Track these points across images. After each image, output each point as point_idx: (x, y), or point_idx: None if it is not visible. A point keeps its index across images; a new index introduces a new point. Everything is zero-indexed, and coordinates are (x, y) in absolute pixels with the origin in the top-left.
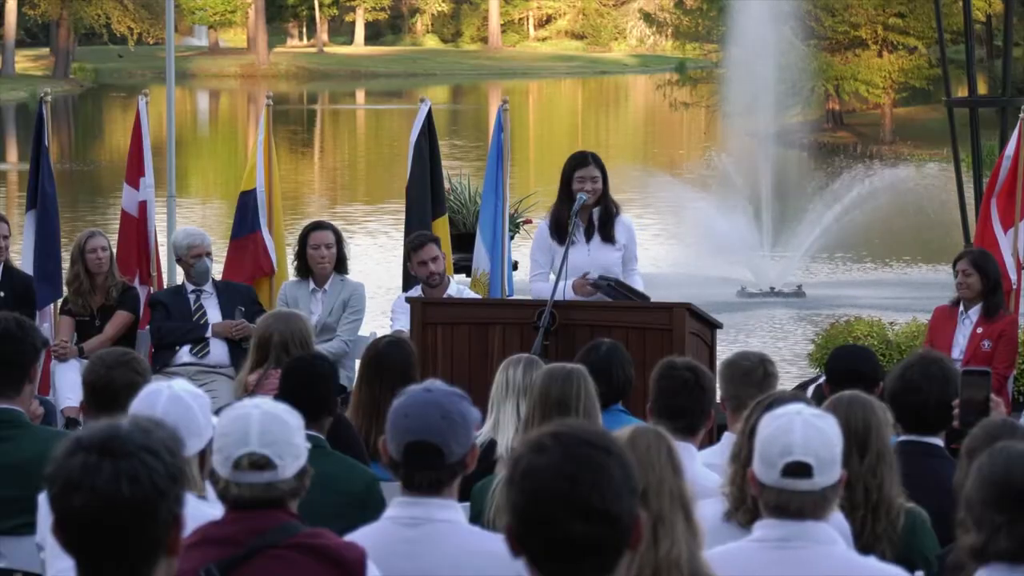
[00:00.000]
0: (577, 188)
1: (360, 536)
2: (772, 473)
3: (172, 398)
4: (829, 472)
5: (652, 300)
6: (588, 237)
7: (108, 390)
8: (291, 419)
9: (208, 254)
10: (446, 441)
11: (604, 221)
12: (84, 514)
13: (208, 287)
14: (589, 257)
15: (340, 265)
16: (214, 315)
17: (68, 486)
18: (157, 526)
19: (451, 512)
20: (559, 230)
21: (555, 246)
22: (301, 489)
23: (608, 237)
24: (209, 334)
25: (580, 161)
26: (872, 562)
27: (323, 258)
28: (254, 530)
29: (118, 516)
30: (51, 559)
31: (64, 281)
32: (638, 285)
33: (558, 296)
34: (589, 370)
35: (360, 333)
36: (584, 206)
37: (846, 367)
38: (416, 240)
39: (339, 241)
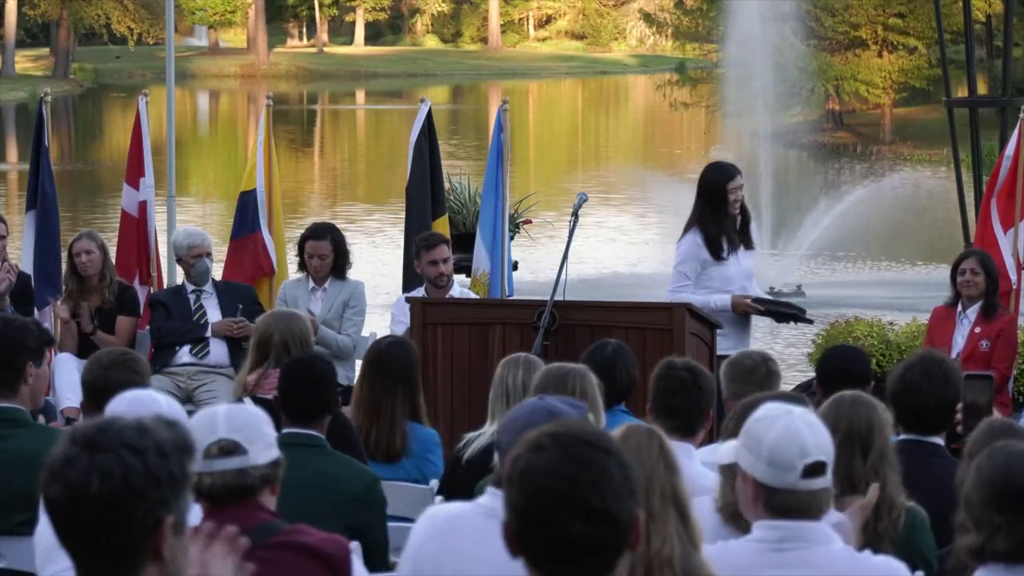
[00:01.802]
0: (733, 200)
1: (450, 509)
2: (789, 476)
3: (136, 400)
4: (831, 470)
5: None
6: (734, 245)
7: (106, 390)
8: (258, 412)
9: (208, 254)
10: (497, 442)
11: (744, 229)
12: (58, 505)
13: (208, 287)
14: (739, 266)
15: (338, 272)
16: (214, 315)
17: (49, 475)
18: (132, 526)
19: None
20: (714, 246)
21: (709, 260)
22: (274, 479)
23: (749, 244)
24: (209, 334)
25: (731, 174)
26: (867, 556)
27: (315, 268)
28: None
29: (86, 510)
30: (41, 562)
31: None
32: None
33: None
34: (593, 369)
35: (362, 334)
36: (733, 215)
37: (836, 367)
38: (430, 240)
39: (337, 249)
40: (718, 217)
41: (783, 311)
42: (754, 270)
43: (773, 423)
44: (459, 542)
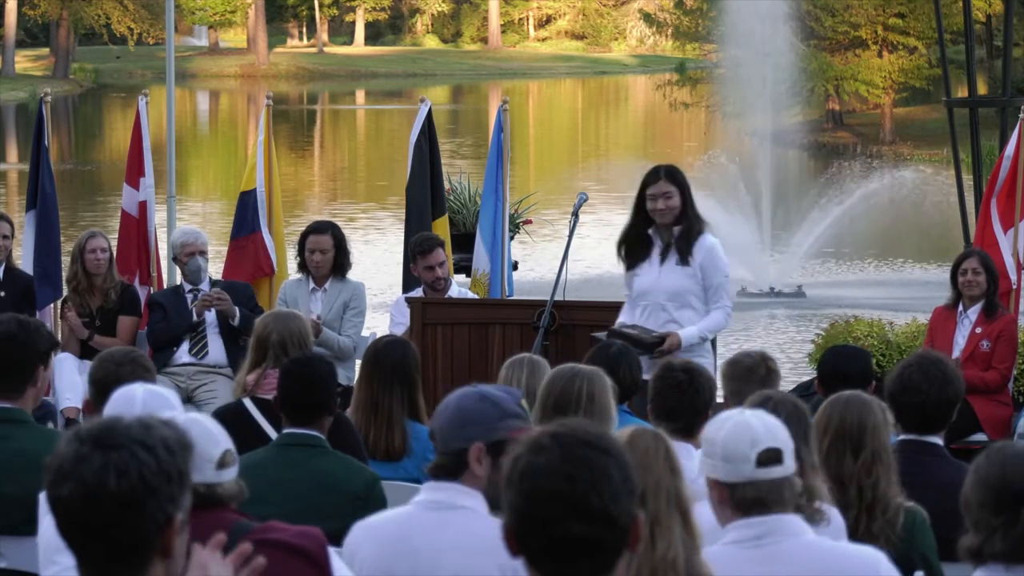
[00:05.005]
0: (650, 207)
1: (387, 516)
2: (745, 467)
3: (149, 392)
4: (791, 459)
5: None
6: (663, 258)
7: (117, 387)
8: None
9: (203, 252)
10: (439, 428)
11: (681, 242)
12: (71, 503)
13: (205, 286)
14: (657, 280)
15: (339, 269)
16: (211, 315)
17: (59, 475)
18: (145, 523)
19: (469, 499)
20: (624, 251)
21: (625, 273)
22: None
23: (683, 259)
24: (195, 317)
25: (651, 176)
26: (845, 546)
27: (317, 263)
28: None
29: (103, 507)
30: (44, 562)
31: (64, 279)
32: (714, 322)
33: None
34: None
35: (362, 334)
36: (663, 224)
37: (832, 368)
38: (425, 244)
39: (338, 246)
40: (635, 224)
41: (632, 341)
42: (688, 289)
43: (724, 423)
44: (419, 544)
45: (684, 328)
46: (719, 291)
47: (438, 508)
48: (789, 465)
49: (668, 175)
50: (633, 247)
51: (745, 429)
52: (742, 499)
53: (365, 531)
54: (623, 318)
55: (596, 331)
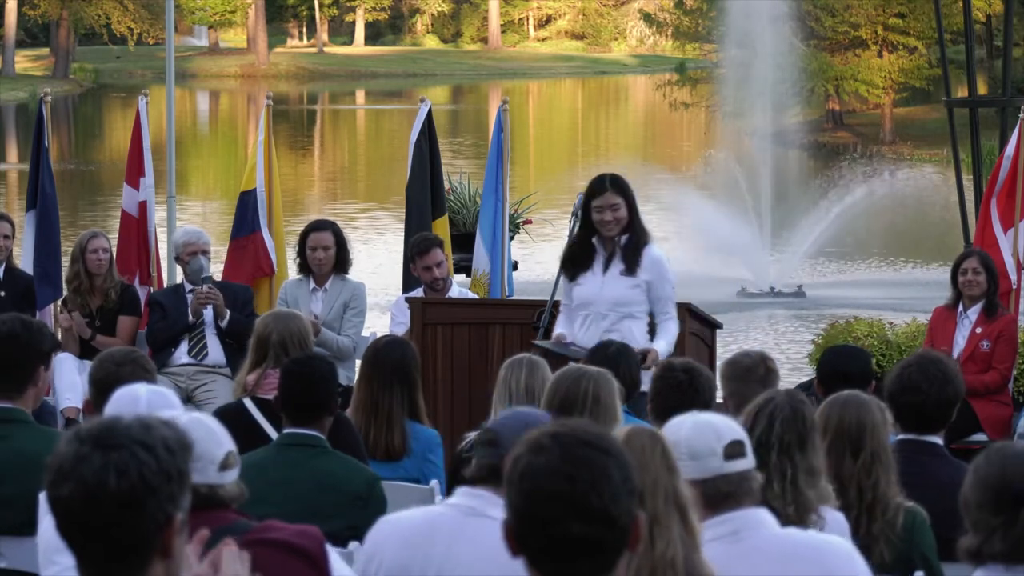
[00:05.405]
0: (597, 219)
1: (416, 514)
2: (713, 461)
3: (153, 392)
4: (751, 452)
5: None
6: (606, 267)
7: (118, 387)
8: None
9: (205, 252)
10: (504, 431)
11: (627, 252)
12: (71, 503)
13: (205, 287)
14: (601, 291)
15: (340, 266)
16: (210, 315)
17: (59, 475)
18: (145, 522)
19: (501, 511)
20: (568, 265)
21: (565, 283)
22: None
23: (629, 269)
24: (191, 318)
25: (596, 188)
26: (813, 534)
27: (320, 260)
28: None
29: (103, 507)
30: (44, 562)
31: (64, 279)
32: (673, 334)
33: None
34: None
35: (362, 334)
36: (608, 236)
37: (832, 368)
38: (422, 244)
39: (339, 243)
40: (580, 235)
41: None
42: (631, 299)
43: (681, 424)
44: (437, 547)
45: (655, 342)
46: (668, 303)
47: (469, 515)
48: (751, 458)
49: (614, 185)
50: (576, 257)
51: (707, 425)
52: (713, 494)
53: (392, 526)
54: (560, 328)
55: (539, 340)
